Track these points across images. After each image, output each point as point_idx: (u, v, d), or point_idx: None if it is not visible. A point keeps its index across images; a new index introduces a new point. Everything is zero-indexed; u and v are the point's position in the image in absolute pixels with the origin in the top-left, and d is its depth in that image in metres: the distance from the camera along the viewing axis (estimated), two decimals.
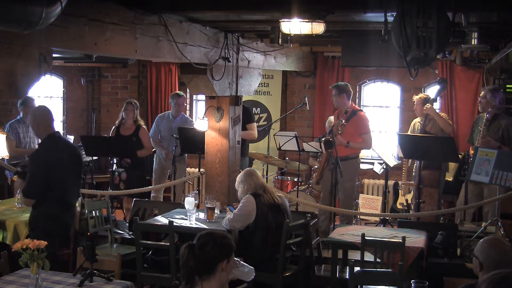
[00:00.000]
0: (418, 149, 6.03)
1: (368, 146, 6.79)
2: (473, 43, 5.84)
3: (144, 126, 7.28)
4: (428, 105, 6.62)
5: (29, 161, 4.80)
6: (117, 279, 3.97)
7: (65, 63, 8.59)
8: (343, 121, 6.44)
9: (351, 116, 6.61)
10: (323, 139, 6.41)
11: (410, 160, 6.96)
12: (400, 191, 7.37)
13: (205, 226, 5.16)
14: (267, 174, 8.13)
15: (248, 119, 7.06)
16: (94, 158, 7.79)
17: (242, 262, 3.08)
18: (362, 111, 6.96)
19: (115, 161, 7.17)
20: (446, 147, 6.03)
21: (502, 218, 5.76)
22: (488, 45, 6.24)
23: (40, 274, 3.47)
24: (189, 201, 5.36)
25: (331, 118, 7.37)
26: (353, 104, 6.82)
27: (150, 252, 5.20)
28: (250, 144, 8.45)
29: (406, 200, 7.27)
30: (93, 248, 3.84)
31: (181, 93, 7.59)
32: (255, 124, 7.28)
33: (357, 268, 4.06)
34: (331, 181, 6.42)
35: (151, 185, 7.29)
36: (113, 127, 7.40)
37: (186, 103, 7.32)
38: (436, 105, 6.75)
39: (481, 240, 3.08)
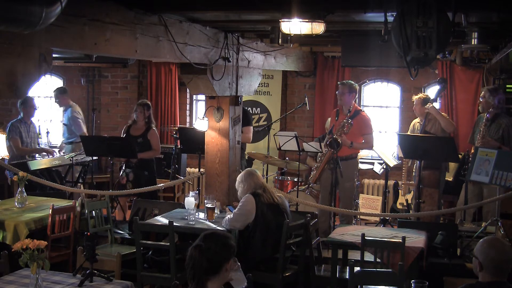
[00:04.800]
0: (418, 149, 6.03)
1: (370, 146, 6.79)
2: (473, 43, 5.83)
3: (154, 128, 7.18)
4: (429, 105, 6.62)
5: None
6: (117, 279, 3.97)
7: (65, 63, 8.59)
8: (350, 120, 6.43)
9: (354, 116, 6.59)
10: (328, 140, 6.38)
11: (410, 160, 6.96)
12: (400, 191, 7.37)
13: (205, 226, 5.16)
14: (267, 174, 8.13)
15: (246, 122, 7.01)
16: (94, 158, 7.80)
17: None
18: (364, 111, 6.96)
19: (123, 161, 7.15)
20: (446, 147, 6.04)
21: (502, 218, 5.76)
22: (488, 45, 6.24)
23: (40, 274, 3.47)
24: (189, 201, 5.35)
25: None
26: (355, 104, 6.81)
27: (150, 252, 5.20)
28: (250, 145, 8.45)
29: (406, 200, 7.27)
30: (93, 248, 3.84)
31: (62, 89, 8.34)
32: (251, 128, 7.26)
33: (357, 268, 4.06)
34: (331, 181, 6.42)
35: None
36: (125, 126, 7.37)
37: (66, 98, 8.40)
38: (436, 105, 6.75)
39: (481, 240, 3.08)
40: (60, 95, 8.32)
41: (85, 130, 8.36)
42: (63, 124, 8.42)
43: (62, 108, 8.55)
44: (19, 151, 7.43)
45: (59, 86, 8.66)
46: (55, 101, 8.42)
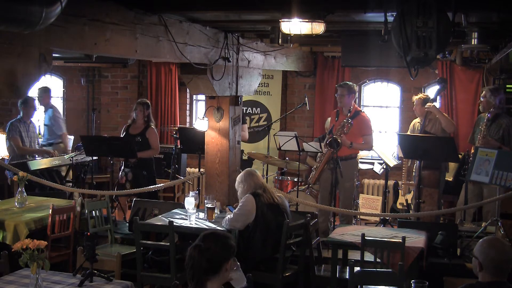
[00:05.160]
0: (418, 149, 6.03)
1: (370, 147, 6.80)
2: (473, 43, 5.82)
3: (153, 127, 7.16)
4: (429, 104, 6.61)
5: None
6: (117, 279, 3.97)
7: (65, 63, 8.60)
8: (350, 120, 6.43)
9: (354, 116, 6.60)
10: (328, 140, 6.38)
11: (410, 160, 6.96)
12: (400, 191, 7.37)
13: (205, 226, 5.16)
14: (267, 174, 8.13)
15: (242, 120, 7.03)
16: (94, 158, 7.79)
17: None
18: (363, 111, 6.96)
19: (122, 161, 7.14)
20: (446, 147, 6.04)
21: (502, 218, 5.76)
22: (488, 45, 6.24)
23: (40, 274, 3.47)
24: (189, 201, 5.35)
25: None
26: (355, 105, 6.82)
27: (150, 252, 5.19)
28: (250, 145, 8.46)
29: (406, 200, 7.27)
30: (93, 248, 3.84)
31: (45, 88, 8.37)
32: (246, 126, 7.30)
33: (357, 268, 4.06)
34: (331, 181, 6.42)
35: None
36: (124, 125, 7.37)
37: (49, 98, 8.48)
38: (436, 105, 6.75)
39: (481, 240, 3.08)
40: (44, 94, 8.31)
41: (65, 130, 8.37)
42: (44, 124, 8.37)
43: (43, 109, 8.46)
44: (20, 150, 7.43)
45: (43, 86, 8.62)
46: (38, 99, 8.32)
